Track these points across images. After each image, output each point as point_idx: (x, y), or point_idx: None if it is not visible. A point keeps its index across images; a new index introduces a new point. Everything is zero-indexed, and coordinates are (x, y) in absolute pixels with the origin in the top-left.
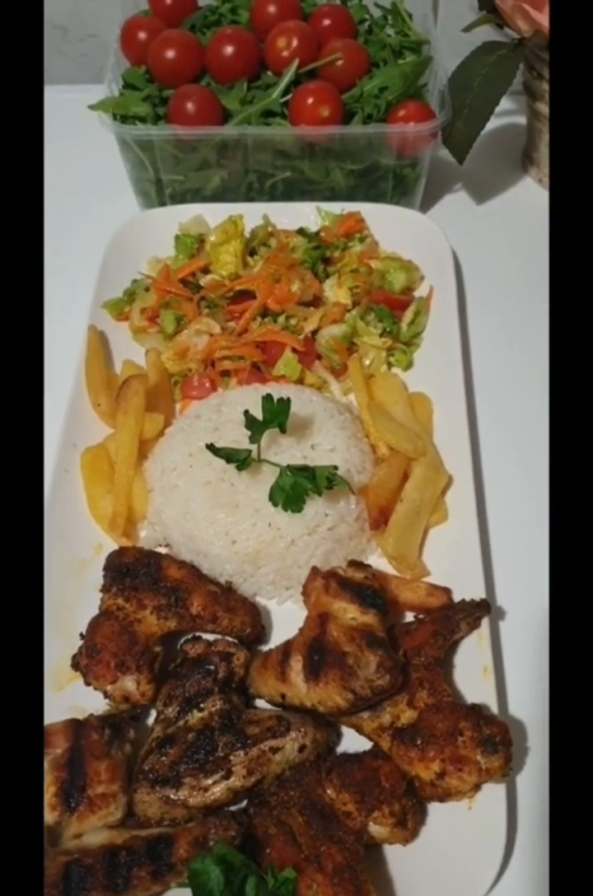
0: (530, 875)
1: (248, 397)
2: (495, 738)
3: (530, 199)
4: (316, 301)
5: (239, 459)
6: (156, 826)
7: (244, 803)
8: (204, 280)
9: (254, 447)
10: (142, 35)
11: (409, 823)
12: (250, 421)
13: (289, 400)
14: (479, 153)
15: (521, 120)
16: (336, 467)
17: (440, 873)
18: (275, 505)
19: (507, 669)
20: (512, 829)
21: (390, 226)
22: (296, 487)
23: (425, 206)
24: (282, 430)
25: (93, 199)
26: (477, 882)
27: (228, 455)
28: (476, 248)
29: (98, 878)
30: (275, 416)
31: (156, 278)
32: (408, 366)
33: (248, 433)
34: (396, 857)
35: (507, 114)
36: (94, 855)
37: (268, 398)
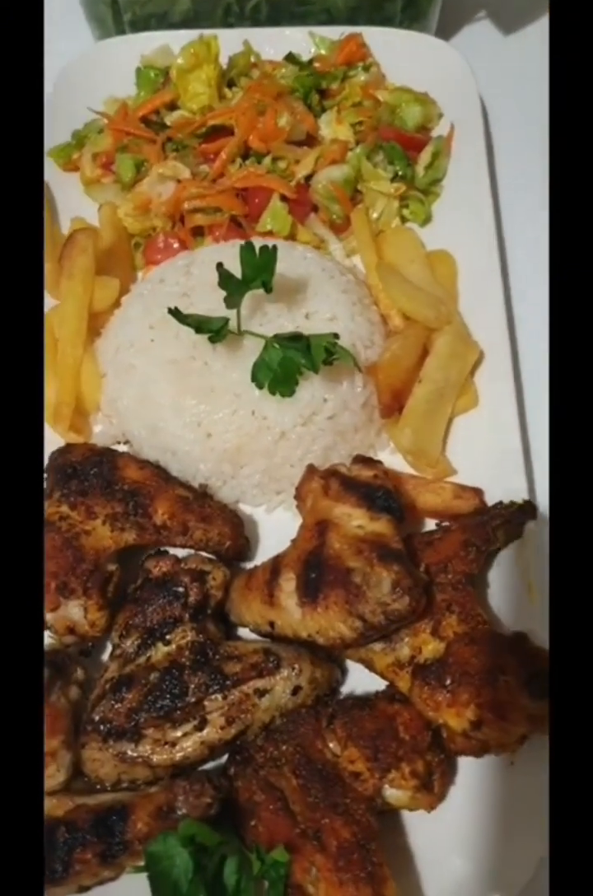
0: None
1: (226, 255)
2: (545, 675)
3: None
4: (310, 141)
5: (212, 329)
6: (112, 789)
7: (223, 760)
8: (170, 118)
9: (231, 314)
10: None
11: (435, 785)
12: (226, 278)
13: (275, 248)
14: None
15: None
16: (336, 335)
17: (475, 847)
18: (260, 387)
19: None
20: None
21: (400, 54)
22: (287, 364)
23: (442, 35)
24: (268, 290)
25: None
26: (524, 858)
27: (198, 323)
28: (502, 83)
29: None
30: (258, 271)
31: (112, 117)
32: (426, 219)
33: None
34: (419, 827)
35: None
36: None
37: (247, 248)
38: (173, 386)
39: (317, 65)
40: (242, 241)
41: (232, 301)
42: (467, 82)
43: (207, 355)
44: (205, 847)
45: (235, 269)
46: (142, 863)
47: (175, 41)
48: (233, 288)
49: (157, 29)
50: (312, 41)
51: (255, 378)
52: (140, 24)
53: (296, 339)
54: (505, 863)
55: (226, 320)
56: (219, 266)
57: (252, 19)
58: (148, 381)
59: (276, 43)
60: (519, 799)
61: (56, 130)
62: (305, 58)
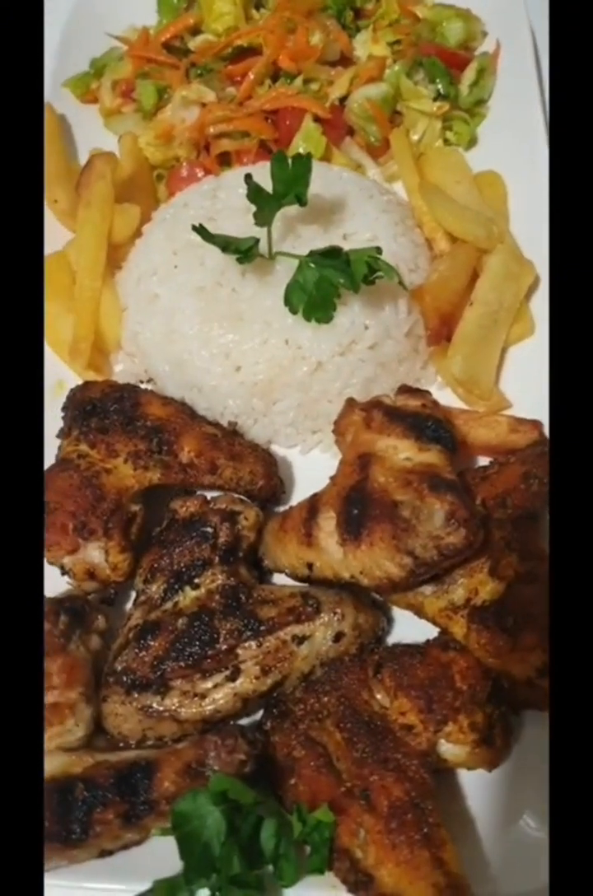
0: None
1: (256, 174)
2: None
3: None
4: (344, 61)
5: (241, 249)
6: (136, 746)
7: (259, 715)
8: (194, 43)
9: (262, 233)
10: None
11: (497, 740)
12: (256, 193)
13: (309, 159)
14: None
15: None
16: (379, 249)
17: (544, 809)
18: (294, 312)
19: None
20: None
21: None
22: (323, 285)
23: None
24: (302, 203)
25: None
26: None
27: (226, 243)
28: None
29: (46, 825)
30: (291, 184)
31: (133, 43)
32: (472, 142)
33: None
34: (479, 787)
35: None
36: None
37: (279, 158)
38: (199, 315)
39: None
40: None
41: (263, 218)
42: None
43: (236, 281)
44: (240, 806)
45: (266, 188)
46: (169, 824)
47: None
48: (264, 203)
49: None
50: None
51: (289, 302)
52: None
53: (333, 256)
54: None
55: (257, 240)
56: (248, 177)
57: None
58: (172, 311)
59: None
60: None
61: (74, 61)
62: None
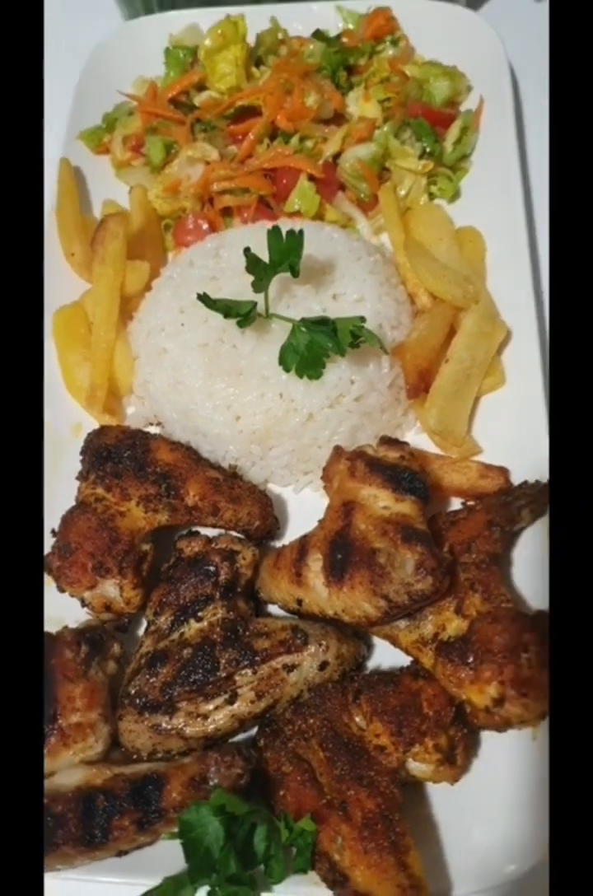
0: None
1: (254, 236)
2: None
3: None
4: (337, 119)
5: (241, 313)
6: (147, 759)
7: (253, 732)
8: (198, 99)
9: (259, 297)
10: None
11: (458, 758)
12: (253, 262)
13: (301, 233)
14: None
15: None
16: (363, 319)
17: (498, 818)
18: (288, 370)
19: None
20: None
21: (428, 26)
22: (314, 347)
23: (473, 2)
24: (295, 274)
25: (66, 6)
26: (543, 831)
27: (227, 308)
28: (533, 52)
29: (70, 830)
30: (285, 255)
31: (141, 99)
32: (454, 196)
33: (253, 283)
34: (442, 797)
35: None
36: (65, 801)
37: (275, 232)
38: (203, 369)
39: (344, 40)
40: (270, 223)
41: (259, 285)
42: (497, 55)
43: (236, 338)
44: (236, 816)
45: (263, 251)
46: (176, 830)
47: (203, 19)
48: (260, 272)
49: (186, 7)
50: (340, 15)
51: (283, 361)
52: (168, 3)
53: (322, 323)
54: (523, 836)
55: (254, 304)
56: (247, 251)
57: None
58: (179, 365)
59: (304, 18)
60: (540, 774)
61: (87, 114)
62: (333, 33)
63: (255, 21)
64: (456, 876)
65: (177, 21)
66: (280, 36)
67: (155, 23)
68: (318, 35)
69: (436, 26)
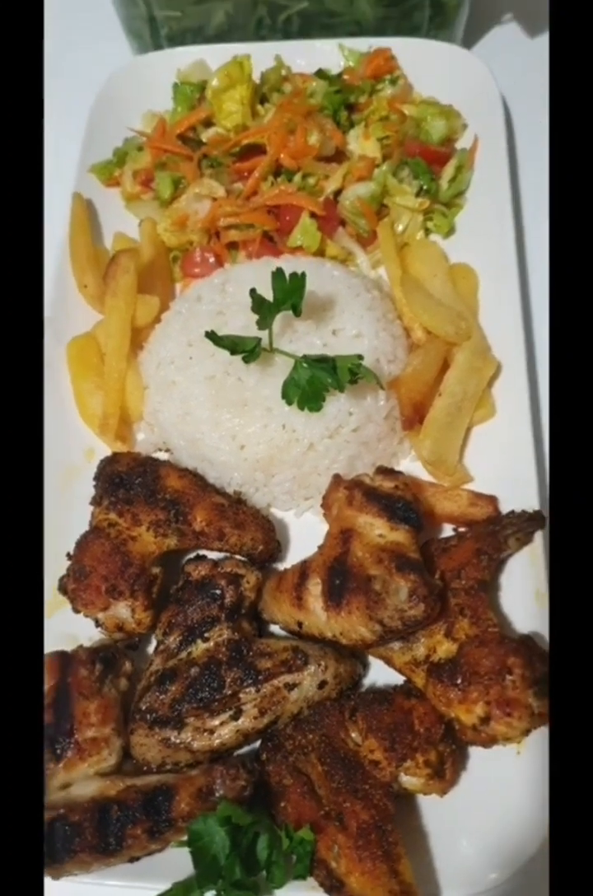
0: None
1: (258, 273)
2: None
3: None
4: (338, 156)
5: (246, 349)
6: (157, 771)
7: (256, 746)
8: (205, 135)
9: (263, 334)
10: None
11: (447, 773)
12: (258, 302)
13: (303, 275)
14: None
15: None
16: (361, 357)
17: (485, 825)
18: (290, 403)
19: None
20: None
21: (426, 65)
22: (314, 382)
23: (469, 40)
24: (297, 313)
25: (77, 42)
26: (528, 838)
27: (233, 344)
28: (529, 89)
29: (86, 838)
30: (288, 295)
31: (151, 135)
32: (450, 231)
33: (257, 321)
34: (432, 808)
35: None
36: (82, 811)
37: (278, 274)
38: (210, 401)
39: (346, 77)
40: (274, 259)
41: (264, 323)
42: (491, 94)
43: (241, 372)
44: (240, 826)
45: (267, 286)
46: (184, 838)
47: (209, 55)
48: (264, 311)
49: (193, 43)
50: (342, 54)
51: (285, 395)
52: (176, 39)
53: (323, 360)
54: (505, 846)
55: (259, 341)
56: (253, 291)
57: (284, 31)
58: (187, 397)
59: (307, 55)
60: (523, 787)
61: (98, 145)
62: (335, 70)
63: (261, 58)
64: (444, 882)
65: (184, 57)
66: (284, 73)
67: (163, 58)
68: (321, 74)
69: (433, 64)
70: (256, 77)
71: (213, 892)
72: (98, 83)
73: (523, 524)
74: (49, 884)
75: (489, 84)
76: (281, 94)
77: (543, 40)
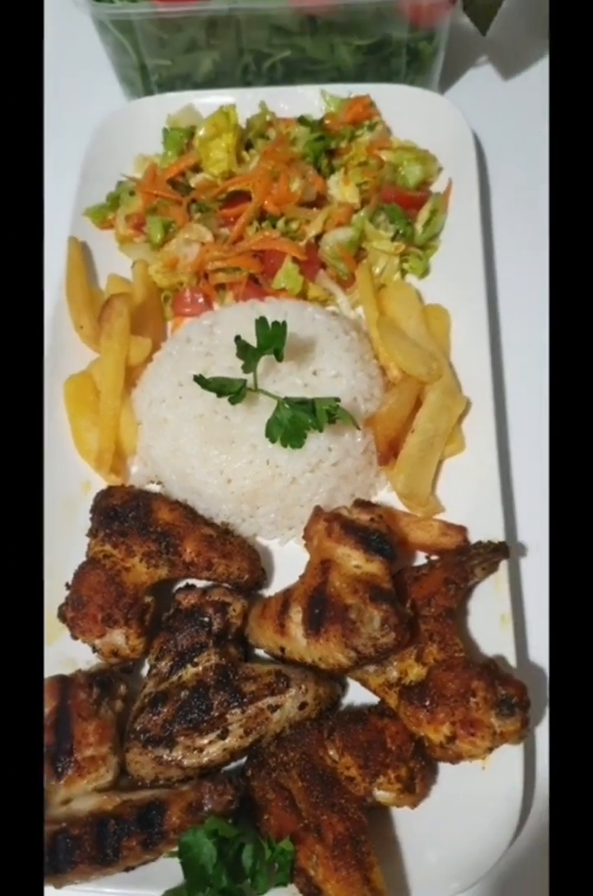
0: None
1: (244, 316)
2: (511, 699)
3: None
4: (319, 200)
5: (232, 391)
6: (150, 786)
7: (242, 763)
8: (194, 180)
9: (249, 376)
10: None
11: (417, 787)
12: (243, 348)
13: (285, 325)
14: (505, 17)
15: None
16: (338, 400)
17: (450, 838)
18: (273, 441)
19: (529, 616)
20: (529, 789)
21: (404, 109)
22: (296, 422)
23: (445, 83)
24: (279, 358)
25: (73, 87)
26: (491, 848)
27: (220, 387)
28: (503, 128)
29: (86, 850)
30: (271, 341)
31: (142, 180)
32: (424, 272)
33: (242, 365)
34: (403, 819)
35: None
36: (82, 824)
37: (261, 322)
38: (199, 438)
39: (327, 122)
40: (260, 302)
41: (248, 367)
42: (465, 139)
43: (228, 411)
44: (227, 838)
45: (251, 330)
46: (176, 849)
47: (197, 100)
48: (249, 356)
49: (183, 88)
50: (323, 99)
51: (269, 434)
52: (166, 85)
53: (303, 403)
54: (468, 857)
55: (244, 383)
56: (238, 339)
57: (268, 77)
58: (178, 434)
59: (291, 100)
60: (487, 801)
61: (92, 186)
62: (316, 114)
63: (246, 102)
64: (412, 889)
65: (174, 102)
66: (268, 118)
67: (154, 103)
68: (303, 121)
69: (410, 109)
70: (242, 121)
71: None
72: (93, 125)
73: (488, 555)
74: (52, 893)
75: (463, 129)
76: (265, 140)
77: (517, 81)
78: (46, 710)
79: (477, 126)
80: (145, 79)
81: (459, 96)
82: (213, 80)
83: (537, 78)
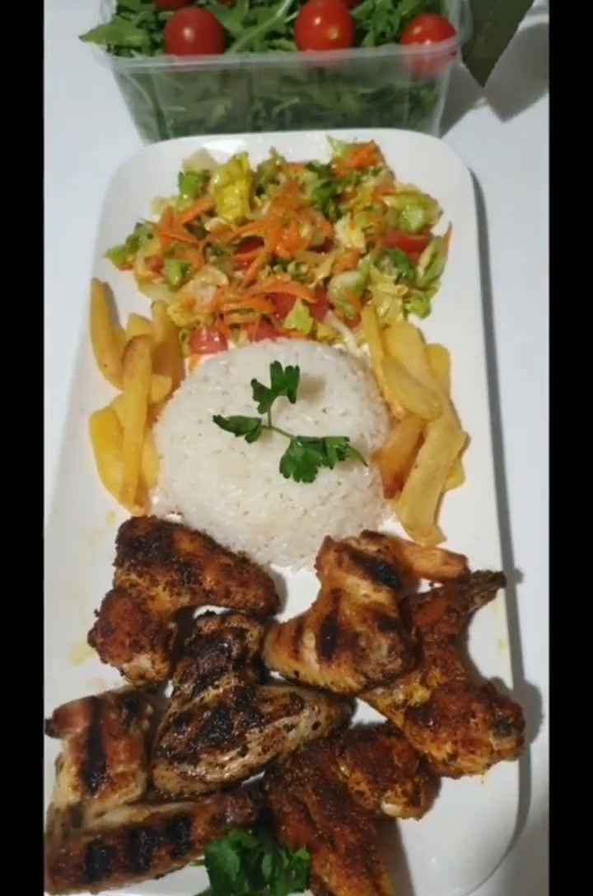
0: (541, 850)
1: (258, 357)
2: (508, 719)
3: None
4: (327, 243)
5: (248, 430)
6: (176, 799)
7: (260, 777)
8: (209, 224)
9: (263, 415)
10: None
11: (422, 800)
12: (258, 390)
13: (297, 369)
14: (502, 61)
15: (546, 19)
16: (347, 439)
17: (452, 846)
18: (287, 476)
19: (524, 639)
20: (524, 801)
21: (406, 153)
22: (308, 459)
23: (445, 125)
24: (292, 400)
25: (92, 131)
26: (490, 855)
27: (237, 426)
28: (501, 168)
29: (119, 859)
30: (284, 383)
31: (160, 224)
32: (426, 313)
33: (258, 406)
34: (409, 829)
35: (530, 12)
36: (115, 836)
37: (276, 366)
38: (217, 472)
39: (334, 167)
40: (272, 343)
41: (263, 407)
42: (464, 183)
43: (244, 448)
44: (248, 848)
45: (265, 368)
46: (202, 857)
47: (212, 145)
48: (264, 398)
49: (196, 133)
50: (330, 144)
51: (283, 469)
52: (180, 129)
53: (314, 442)
54: (469, 863)
55: (259, 422)
56: (254, 382)
57: (277, 123)
58: (197, 469)
59: (299, 144)
60: (486, 813)
61: (112, 227)
62: (323, 158)
63: (257, 146)
64: (418, 895)
65: (188, 146)
66: (278, 163)
67: (170, 148)
68: (311, 167)
69: (412, 154)
70: (253, 163)
71: None
72: (112, 167)
73: (487, 584)
74: None
75: (462, 173)
76: (276, 185)
77: (513, 122)
78: (78, 730)
79: (476, 165)
80: (161, 124)
81: (458, 136)
82: (225, 125)
83: (533, 118)
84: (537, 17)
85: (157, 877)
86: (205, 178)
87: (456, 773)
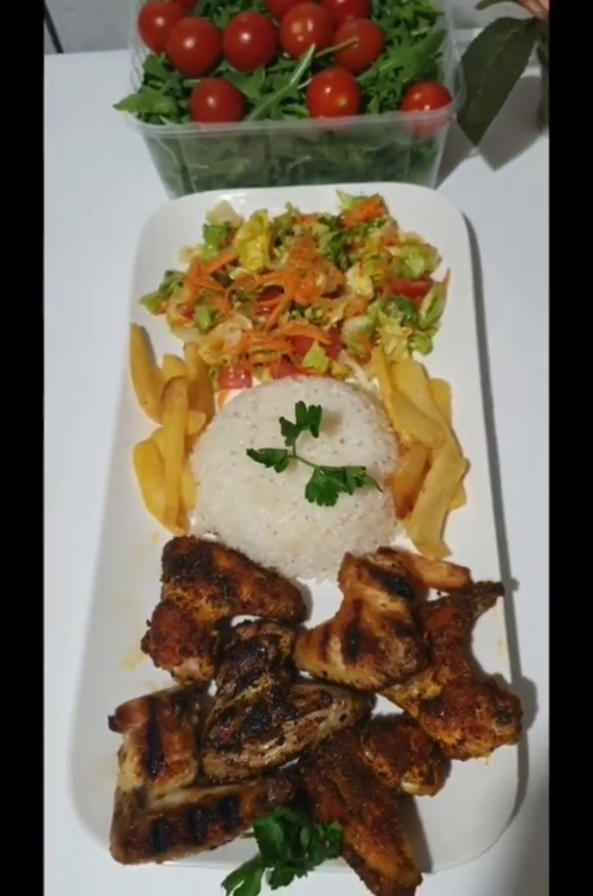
0: (538, 820)
1: (281, 393)
2: (508, 709)
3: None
4: (339, 290)
5: (276, 461)
6: (224, 783)
7: (296, 762)
8: (234, 273)
9: (289, 447)
10: (159, 21)
11: (435, 779)
12: (285, 426)
13: (320, 408)
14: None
15: (536, 73)
16: (364, 468)
17: (462, 818)
18: (311, 501)
19: (521, 639)
20: (523, 780)
21: (407, 205)
22: (330, 485)
23: (442, 173)
24: (315, 434)
25: (120, 184)
26: (493, 825)
27: (267, 458)
28: (494, 214)
29: (181, 833)
30: (307, 420)
31: (189, 274)
32: (428, 350)
33: (285, 440)
34: (425, 804)
35: None
36: (175, 813)
37: (300, 405)
38: (250, 498)
39: (343, 219)
40: (294, 380)
41: (289, 441)
42: (460, 232)
43: (273, 475)
44: (290, 822)
45: (288, 402)
46: (249, 831)
47: (233, 197)
48: (290, 433)
49: (218, 187)
50: (339, 197)
51: (308, 495)
52: (203, 183)
53: (335, 471)
54: (477, 830)
55: (286, 453)
56: (282, 420)
57: (291, 177)
58: (232, 495)
59: (310, 197)
60: (490, 789)
61: (145, 277)
62: (332, 209)
63: (274, 198)
64: (434, 858)
65: (212, 199)
66: (293, 215)
67: (194, 201)
68: (323, 220)
69: (413, 205)
70: (270, 215)
71: (272, 868)
72: (141, 220)
73: (488, 593)
74: (156, 868)
75: (459, 223)
76: (291, 236)
77: (506, 169)
78: (138, 724)
79: (471, 212)
80: (185, 179)
81: (454, 185)
82: (244, 180)
83: (525, 167)
84: (526, 71)
85: (212, 848)
86: (228, 229)
87: (465, 756)
